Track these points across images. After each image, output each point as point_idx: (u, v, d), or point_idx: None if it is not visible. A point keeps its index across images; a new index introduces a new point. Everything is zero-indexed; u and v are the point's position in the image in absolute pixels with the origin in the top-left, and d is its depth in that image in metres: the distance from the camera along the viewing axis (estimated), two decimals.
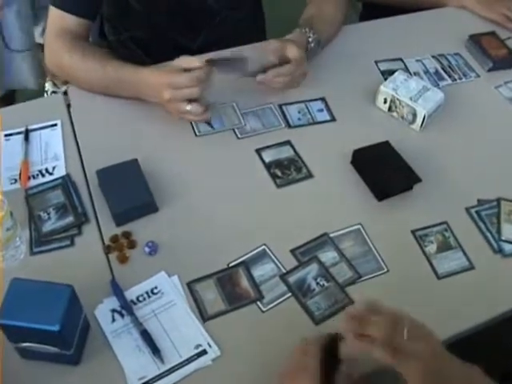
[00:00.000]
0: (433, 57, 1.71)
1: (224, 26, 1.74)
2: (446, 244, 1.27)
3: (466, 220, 1.32)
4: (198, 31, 1.73)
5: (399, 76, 1.52)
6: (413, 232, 1.28)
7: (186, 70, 1.35)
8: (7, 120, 1.44)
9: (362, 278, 1.19)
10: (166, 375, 1.04)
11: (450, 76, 1.65)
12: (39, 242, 1.21)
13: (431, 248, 1.26)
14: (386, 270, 1.21)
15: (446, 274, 1.22)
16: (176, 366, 1.05)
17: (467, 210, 1.33)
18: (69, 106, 1.49)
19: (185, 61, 1.36)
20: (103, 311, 1.11)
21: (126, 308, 1.11)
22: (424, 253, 1.25)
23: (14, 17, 2.05)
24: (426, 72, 1.66)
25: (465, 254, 1.25)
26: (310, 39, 1.54)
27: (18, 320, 0.95)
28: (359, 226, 1.27)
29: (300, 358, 0.98)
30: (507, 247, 1.27)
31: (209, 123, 1.46)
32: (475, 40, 1.73)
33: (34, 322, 0.95)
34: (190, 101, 1.36)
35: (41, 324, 0.95)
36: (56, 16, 1.51)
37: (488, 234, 1.29)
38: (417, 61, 1.69)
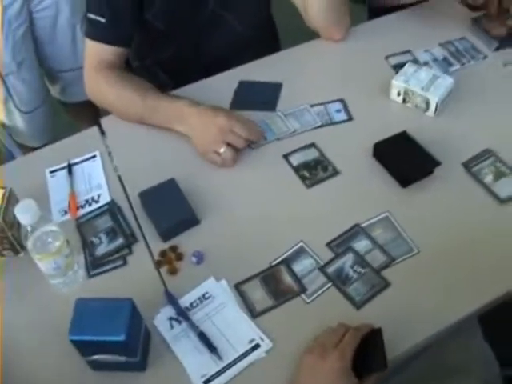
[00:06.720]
0: (440, 45, 1.75)
1: (243, 43, 1.80)
2: None
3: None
4: (220, 50, 1.79)
5: (409, 68, 1.58)
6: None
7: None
8: (50, 158, 1.54)
9: (395, 261, 1.25)
10: (226, 370, 1.11)
11: (458, 61, 1.70)
12: (95, 265, 1.30)
13: None
14: (416, 251, 1.26)
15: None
16: (233, 361, 1.12)
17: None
18: (102, 133, 1.58)
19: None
20: (161, 320, 1.19)
21: (182, 314, 1.18)
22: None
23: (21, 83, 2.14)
24: (435, 60, 1.70)
25: None
26: None
27: (87, 335, 1.04)
28: (387, 214, 1.33)
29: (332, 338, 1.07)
30: None
31: None
32: (478, 22, 1.77)
33: (102, 335, 1.03)
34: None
35: (108, 336, 1.03)
36: (92, 48, 1.58)
37: None
38: (425, 51, 1.73)
